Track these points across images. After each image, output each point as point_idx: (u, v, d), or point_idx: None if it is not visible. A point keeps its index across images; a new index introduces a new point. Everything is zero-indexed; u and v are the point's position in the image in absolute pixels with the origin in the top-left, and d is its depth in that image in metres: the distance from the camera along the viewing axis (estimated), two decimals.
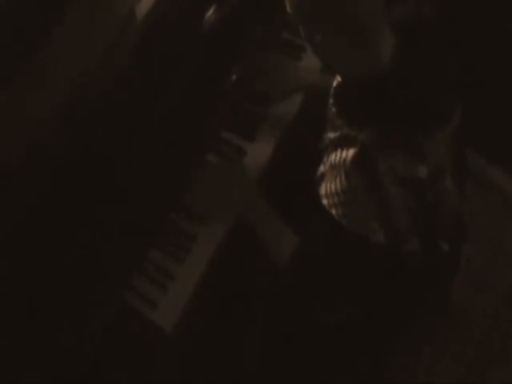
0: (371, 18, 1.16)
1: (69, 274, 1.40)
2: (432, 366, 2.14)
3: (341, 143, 1.29)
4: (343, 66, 1.29)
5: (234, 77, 1.69)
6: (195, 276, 1.52)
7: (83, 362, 1.39)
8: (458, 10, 2.03)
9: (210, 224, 1.57)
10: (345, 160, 1.24)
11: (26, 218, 1.36)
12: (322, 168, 1.39)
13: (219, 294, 1.66)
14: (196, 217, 1.58)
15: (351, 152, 1.23)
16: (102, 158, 1.46)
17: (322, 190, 1.32)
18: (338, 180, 1.25)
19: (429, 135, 1.26)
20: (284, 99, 1.70)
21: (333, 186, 1.27)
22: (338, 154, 1.28)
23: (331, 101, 1.39)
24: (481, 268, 2.33)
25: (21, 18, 1.39)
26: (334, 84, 1.39)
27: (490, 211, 2.41)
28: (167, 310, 1.49)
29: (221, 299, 1.68)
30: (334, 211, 1.28)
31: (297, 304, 1.56)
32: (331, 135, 1.36)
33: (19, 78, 1.38)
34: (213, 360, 1.71)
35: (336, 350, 1.67)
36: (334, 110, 1.37)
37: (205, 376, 1.72)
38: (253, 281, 1.70)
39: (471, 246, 1.66)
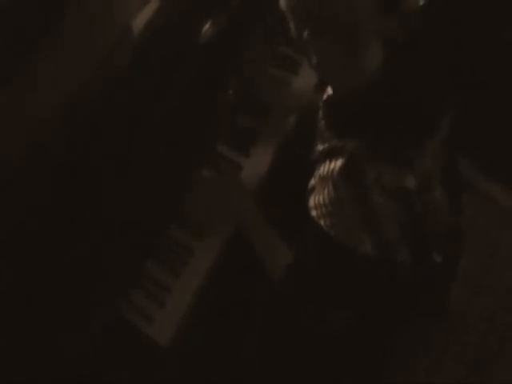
0: (363, 25, 1.16)
1: (66, 276, 1.39)
2: (432, 367, 2.14)
3: (329, 155, 1.29)
4: (332, 72, 1.29)
5: (231, 91, 1.70)
6: (192, 289, 1.52)
7: (81, 368, 1.39)
8: (452, 17, 2.04)
9: (206, 238, 1.58)
10: (332, 171, 1.24)
11: (26, 218, 1.36)
12: (312, 181, 1.39)
13: (216, 307, 1.66)
14: (193, 230, 1.58)
15: (339, 163, 1.23)
16: (102, 157, 1.46)
17: (311, 202, 1.32)
18: (325, 191, 1.26)
19: (417, 146, 1.25)
20: (281, 118, 1.72)
21: (321, 198, 1.27)
22: (327, 165, 1.28)
23: (320, 113, 1.40)
24: (477, 271, 2.33)
25: (21, 18, 1.38)
26: (324, 97, 1.39)
27: (486, 215, 2.42)
28: (164, 323, 1.48)
29: (218, 312, 1.67)
30: (322, 222, 1.28)
31: (293, 312, 1.56)
32: (320, 147, 1.37)
33: (19, 78, 1.37)
34: (210, 373, 1.70)
35: (334, 352, 1.66)
36: (323, 122, 1.37)
37: None
38: (249, 293, 1.70)
39: (468, 250, 1.66)
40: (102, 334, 1.42)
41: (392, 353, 1.82)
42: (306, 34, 1.19)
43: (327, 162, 1.28)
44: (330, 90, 1.39)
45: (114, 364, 1.42)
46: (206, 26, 1.63)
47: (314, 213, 1.31)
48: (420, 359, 2.11)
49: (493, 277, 2.34)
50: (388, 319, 1.54)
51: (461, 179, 1.53)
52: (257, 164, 1.67)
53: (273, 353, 1.70)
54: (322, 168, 1.31)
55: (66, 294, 1.38)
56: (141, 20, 1.55)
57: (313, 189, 1.36)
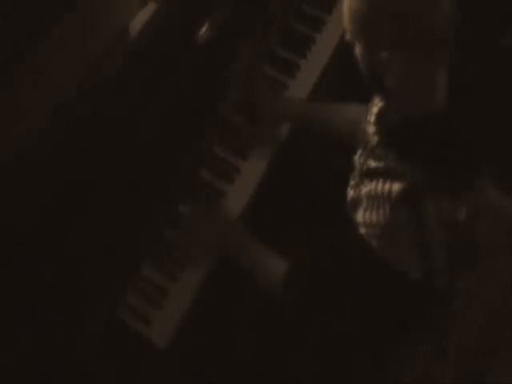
0: (446, 32, 1.16)
1: (63, 280, 1.40)
2: (429, 366, 2.16)
3: (384, 174, 1.28)
4: (407, 92, 1.26)
5: (229, 93, 1.69)
6: (189, 292, 1.54)
7: (76, 375, 1.40)
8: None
9: None
10: (389, 193, 1.23)
11: (22, 218, 1.36)
12: (351, 192, 1.40)
13: (213, 310, 1.66)
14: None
15: (397, 186, 1.22)
16: (98, 159, 1.45)
17: (359, 217, 1.32)
18: (381, 212, 1.25)
19: (473, 182, 1.26)
20: (271, 127, 1.72)
21: (374, 217, 1.27)
22: (380, 184, 1.27)
23: (372, 128, 1.37)
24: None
25: (20, 17, 1.38)
26: (375, 111, 1.37)
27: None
28: (161, 326, 1.50)
29: (215, 314, 1.67)
30: (373, 242, 1.28)
31: (294, 314, 1.56)
32: (372, 164, 1.34)
33: (19, 78, 1.37)
34: (207, 375, 1.70)
35: (335, 353, 1.67)
36: (376, 138, 1.34)
37: None
38: (247, 296, 1.69)
39: None
40: (100, 336, 1.43)
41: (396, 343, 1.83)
42: (384, 53, 1.17)
43: (380, 181, 1.27)
44: (379, 103, 1.36)
45: (111, 366, 1.44)
46: (204, 28, 1.62)
47: (363, 231, 1.31)
48: (418, 357, 2.13)
49: (492, 271, 2.33)
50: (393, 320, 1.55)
51: None
52: (255, 167, 1.67)
53: (270, 350, 1.69)
54: (372, 185, 1.30)
55: (63, 297, 1.39)
56: (138, 21, 1.54)
57: (356, 201, 1.36)
